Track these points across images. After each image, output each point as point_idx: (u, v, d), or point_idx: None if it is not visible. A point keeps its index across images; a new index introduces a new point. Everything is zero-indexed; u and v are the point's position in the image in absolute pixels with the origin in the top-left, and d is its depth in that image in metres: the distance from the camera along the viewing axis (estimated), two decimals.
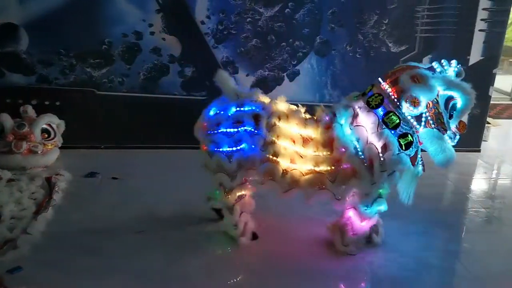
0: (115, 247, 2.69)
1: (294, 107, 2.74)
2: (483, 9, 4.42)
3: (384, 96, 2.52)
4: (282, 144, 2.56)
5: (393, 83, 2.53)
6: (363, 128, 2.53)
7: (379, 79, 2.61)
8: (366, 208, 2.60)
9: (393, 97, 2.51)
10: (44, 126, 3.84)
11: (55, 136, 3.91)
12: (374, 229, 2.81)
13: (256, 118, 2.60)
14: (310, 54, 4.35)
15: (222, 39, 4.20)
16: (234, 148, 2.61)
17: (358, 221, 2.68)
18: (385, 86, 2.55)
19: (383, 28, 4.33)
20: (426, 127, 2.52)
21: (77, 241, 2.73)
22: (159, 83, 4.23)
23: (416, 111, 2.47)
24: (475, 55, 4.54)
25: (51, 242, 2.70)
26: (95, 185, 3.52)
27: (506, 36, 4.79)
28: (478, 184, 4.06)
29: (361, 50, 4.37)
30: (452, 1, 4.34)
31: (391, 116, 2.48)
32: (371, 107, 2.52)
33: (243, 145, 2.59)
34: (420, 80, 2.45)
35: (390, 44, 4.38)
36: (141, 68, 4.17)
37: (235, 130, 2.61)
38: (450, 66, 2.63)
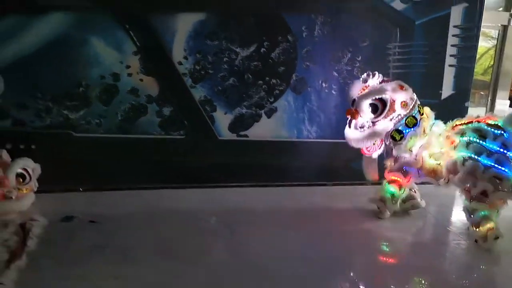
0: None
1: None
2: (452, 45, 4.60)
3: None
4: None
5: None
6: None
7: None
8: None
9: None
10: (19, 170, 3.75)
11: (30, 180, 3.81)
12: None
13: None
14: (287, 91, 4.42)
15: (199, 79, 4.25)
16: None
17: None
18: None
19: (356, 65, 4.45)
20: None
21: None
22: (136, 124, 4.22)
23: None
24: (447, 90, 4.69)
25: None
26: (71, 230, 3.43)
27: (475, 70, 4.97)
28: (458, 216, 4.08)
29: (336, 86, 4.47)
30: (421, 38, 4.52)
31: None
32: None
33: None
34: None
35: None
36: (119, 109, 4.17)
37: None
38: None
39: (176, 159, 4.36)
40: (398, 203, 3.67)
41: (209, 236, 3.37)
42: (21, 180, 3.75)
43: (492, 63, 5.32)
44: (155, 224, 3.52)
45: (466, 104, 4.73)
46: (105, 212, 3.71)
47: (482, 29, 4.71)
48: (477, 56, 4.91)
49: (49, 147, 4.10)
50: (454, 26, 4.56)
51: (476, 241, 3.26)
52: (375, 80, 3.53)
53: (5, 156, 3.81)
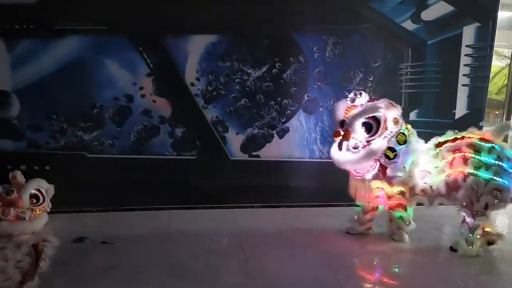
0: None
1: None
2: (465, 65, 4.58)
3: None
4: None
5: None
6: None
7: None
8: None
9: None
10: (33, 191, 3.79)
11: (44, 201, 3.84)
12: None
13: None
14: (299, 112, 4.42)
15: (211, 100, 4.28)
16: None
17: None
18: None
19: (368, 85, 4.44)
20: None
21: None
22: (149, 144, 4.25)
23: None
24: (461, 109, 4.65)
25: None
26: (83, 251, 3.42)
27: (490, 89, 4.92)
28: None
29: None
30: (433, 58, 4.50)
31: None
32: None
33: None
34: None
35: None
36: (132, 129, 4.21)
37: None
38: None
39: (188, 180, 4.36)
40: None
41: (220, 257, 3.34)
42: (34, 200, 3.78)
43: (506, 82, 5.27)
44: (166, 245, 3.50)
45: (480, 124, 4.67)
46: (117, 233, 3.71)
47: (495, 48, 4.68)
48: (491, 76, 4.88)
49: (63, 168, 4.13)
50: (467, 46, 4.55)
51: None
52: (363, 99, 3.47)
53: (20, 177, 3.86)
